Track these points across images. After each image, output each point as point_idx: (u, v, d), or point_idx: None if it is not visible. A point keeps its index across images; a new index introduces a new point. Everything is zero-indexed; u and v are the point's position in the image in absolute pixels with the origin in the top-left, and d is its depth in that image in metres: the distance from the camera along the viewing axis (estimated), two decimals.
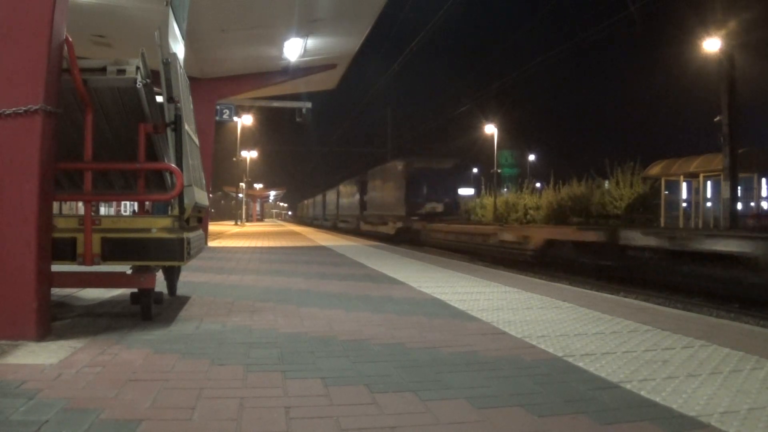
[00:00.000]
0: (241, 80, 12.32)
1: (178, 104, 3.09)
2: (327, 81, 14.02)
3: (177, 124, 3.08)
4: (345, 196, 38.10)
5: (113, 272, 3.14)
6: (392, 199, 25.54)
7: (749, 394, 1.97)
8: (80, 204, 3.23)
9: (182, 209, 3.04)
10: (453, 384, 2.08)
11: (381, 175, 28.58)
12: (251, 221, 48.04)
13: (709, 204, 19.14)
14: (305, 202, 76.83)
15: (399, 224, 23.87)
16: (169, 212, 3.29)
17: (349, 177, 39.11)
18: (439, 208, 24.06)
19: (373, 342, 2.75)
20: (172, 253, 2.94)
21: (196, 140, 3.90)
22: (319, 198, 54.54)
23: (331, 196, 45.21)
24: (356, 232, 29.22)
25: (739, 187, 15.80)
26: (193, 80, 5.87)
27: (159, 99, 3.25)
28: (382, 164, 30.25)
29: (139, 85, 3.01)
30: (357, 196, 33.17)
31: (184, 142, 3.10)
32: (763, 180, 19.45)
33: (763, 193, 19.93)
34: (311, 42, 10.41)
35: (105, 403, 1.80)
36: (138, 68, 3.03)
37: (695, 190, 19.25)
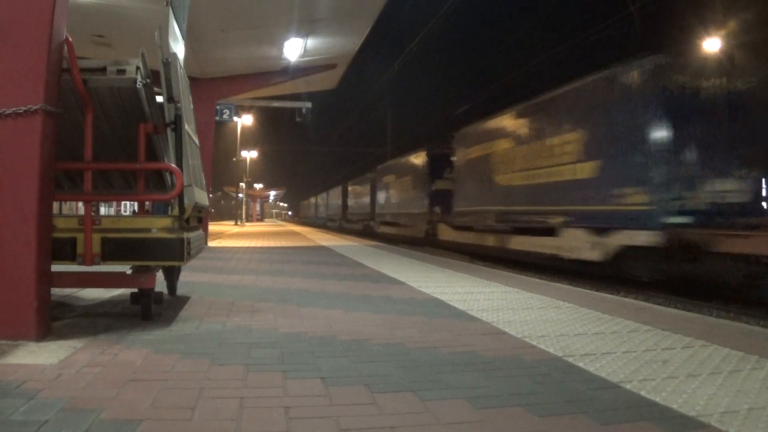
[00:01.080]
0: (241, 80, 12.33)
1: (178, 104, 3.09)
2: (327, 81, 14.03)
3: (177, 124, 3.08)
4: (390, 187, 24.53)
5: (113, 272, 3.14)
6: (603, 170, 9.43)
7: (749, 394, 1.97)
8: (80, 204, 3.23)
9: (182, 209, 3.04)
10: (453, 384, 2.08)
11: (515, 124, 12.84)
12: (251, 221, 48.10)
13: None
14: (312, 200, 63.94)
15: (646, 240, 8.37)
16: (169, 212, 3.30)
17: (399, 156, 24.41)
18: (741, 194, 8.37)
19: (373, 342, 2.75)
20: (172, 253, 2.94)
21: (196, 140, 3.90)
22: (334, 193, 41.90)
23: (358, 190, 32.96)
24: (422, 243, 18.02)
25: None
26: (193, 80, 5.88)
27: (159, 99, 3.25)
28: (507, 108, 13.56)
29: (139, 85, 3.01)
30: (416, 187, 20.02)
31: (184, 142, 3.10)
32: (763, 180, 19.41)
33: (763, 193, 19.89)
34: (311, 42, 10.41)
35: (105, 403, 1.80)
36: (138, 68, 3.03)
37: None
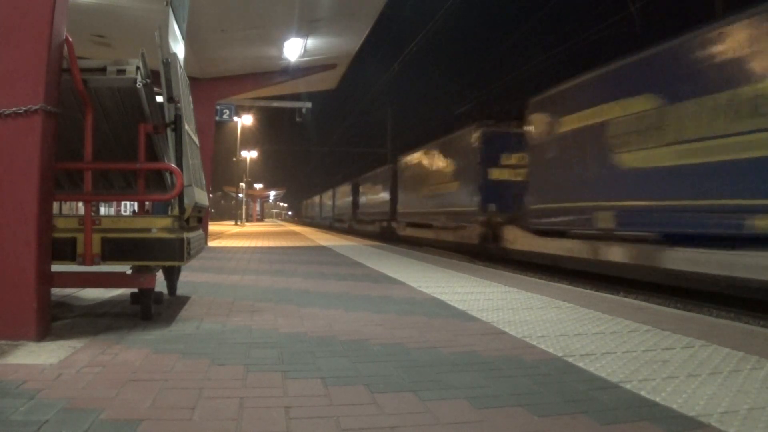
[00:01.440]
0: (241, 80, 12.34)
1: (178, 104, 3.10)
2: (327, 81, 14.03)
3: (177, 124, 3.08)
4: (419, 180, 19.41)
5: (113, 272, 3.15)
6: None
7: (749, 394, 1.97)
8: (80, 204, 3.23)
9: (182, 209, 3.04)
10: (453, 384, 2.08)
11: None
12: (251, 221, 48.12)
13: None
14: (316, 199, 55.81)
15: None
16: (169, 212, 3.30)
17: (433, 141, 18.85)
18: None
19: (373, 342, 2.75)
20: (172, 253, 2.95)
21: (196, 140, 3.90)
22: (342, 190, 36.13)
23: (373, 185, 27.86)
24: (476, 253, 13.68)
25: None
26: (193, 80, 5.88)
27: (159, 99, 3.26)
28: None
29: (139, 85, 3.01)
30: (460, 178, 15.49)
31: (184, 142, 3.10)
32: None
33: None
34: (311, 42, 10.41)
35: (105, 403, 1.80)
36: (138, 68, 3.03)
37: None
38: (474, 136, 14.60)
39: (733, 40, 6.84)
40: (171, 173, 3.25)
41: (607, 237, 9.00)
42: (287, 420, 1.70)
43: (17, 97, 2.51)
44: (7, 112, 2.50)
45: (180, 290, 4.24)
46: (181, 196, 3.02)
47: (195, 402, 1.84)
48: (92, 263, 2.90)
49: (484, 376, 2.18)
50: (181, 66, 3.43)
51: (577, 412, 1.80)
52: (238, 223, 34.26)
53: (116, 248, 2.92)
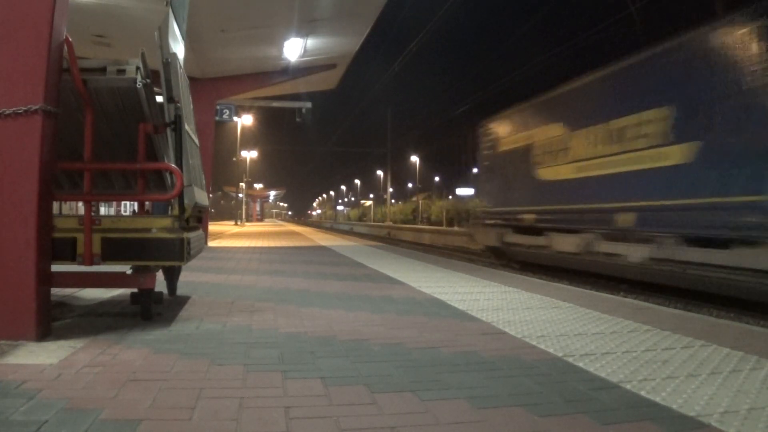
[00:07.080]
0: (241, 80, 12.34)
1: (178, 104, 3.09)
2: (327, 81, 14.03)
3: (177, 124, 3.08)
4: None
5: (113, 272, 3.14)
6: None
7: (749, 394, 1.97)
8: (80, 204, 3.23)
9: (182, 209, 3.04)
10: (453, 384, 2.08)
11: None
12: (251, 221, 48.12)
13: None
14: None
15: None
16: (169, 212, 3.30)
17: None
18: None
19: (373, 342, 2.75)
20: (172, 253, 2.94)
21: (196, 140, 3.90)
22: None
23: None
24: None
25: None
26: (193, 80, 5.88)
27: (159, 99, 3.25)
28: None
29: (139, 85, 3.01)
30: None
31: (184, 142, 3.10)
32: None
33: None
34: (311, 42, 10.42)
35: (105, 403, 1.80)
36: (138, 68, 3.03)
37: None
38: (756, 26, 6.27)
39: None
40: (171, 173, 3.25)
41: None
42: (287, 420, 1.70)
43: (17, 97, 2.51)
44: (7, 112, 2.50)
45: (180, 290, 4.24)
46: (181, 196, 3.02)
47: (195, 402, 1.84)
48: (92, 263, 2.90)
49: (484, 376, 2.18)
50: (181, 66, 3.43)
51: (577, 412, 1.80)
52: (238, 223, 34.25)
53: (116, 248, 2.91)
